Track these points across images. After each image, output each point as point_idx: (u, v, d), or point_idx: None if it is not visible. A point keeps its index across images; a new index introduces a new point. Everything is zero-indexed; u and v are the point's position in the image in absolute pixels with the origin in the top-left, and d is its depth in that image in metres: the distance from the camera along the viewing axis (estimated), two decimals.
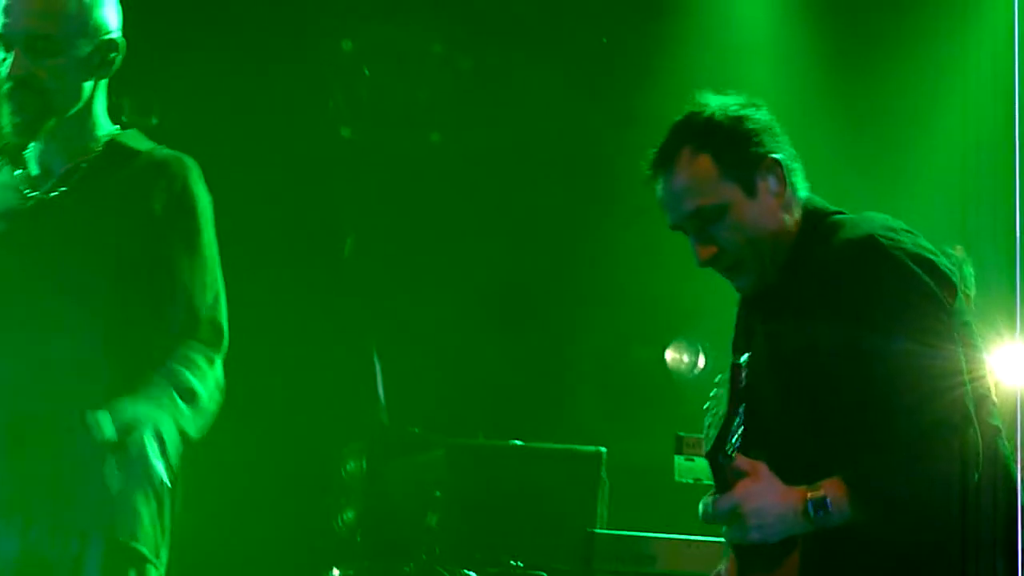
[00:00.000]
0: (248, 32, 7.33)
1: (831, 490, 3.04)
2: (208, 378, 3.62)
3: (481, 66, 7.55)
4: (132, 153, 3.80)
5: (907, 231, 3.25)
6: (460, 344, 7.17)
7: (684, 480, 5.48)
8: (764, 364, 3.22)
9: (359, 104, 7.48)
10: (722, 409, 3.10)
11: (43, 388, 3.57)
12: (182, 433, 3.50)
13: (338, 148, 7.49)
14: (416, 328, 7.20)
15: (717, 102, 3.39)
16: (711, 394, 3.16)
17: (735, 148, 3.35)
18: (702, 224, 3.35)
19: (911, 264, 3.15)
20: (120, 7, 3.80)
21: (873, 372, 3.09)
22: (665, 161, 3.37)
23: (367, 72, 7.43)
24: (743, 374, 3.09)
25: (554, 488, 5.87)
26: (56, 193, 3.69)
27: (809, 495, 3.05)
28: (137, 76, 6.63)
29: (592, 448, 5.93)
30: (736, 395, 3.08)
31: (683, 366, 7.63)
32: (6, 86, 3.63)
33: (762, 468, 3.10)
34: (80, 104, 3.75)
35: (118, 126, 3.87)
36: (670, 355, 7.65)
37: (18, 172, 3.76)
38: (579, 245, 7.32)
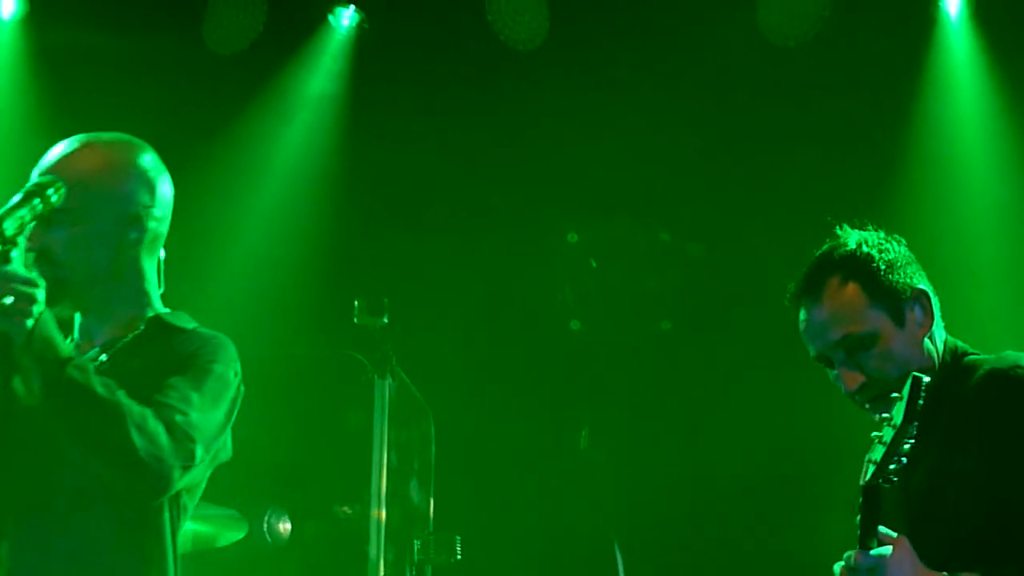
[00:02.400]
0: (472, 228, 7.46)
1: None
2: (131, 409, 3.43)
3: (712, 252, 7.47)
4: (175, 330, 3.75)
5: None
6: (703, 535, 7.01)
7: None
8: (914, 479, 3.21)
9: (587, 296, 7.46)
10: (887, 437, 3.10)
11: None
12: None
13: (568, 341, 7.46)
14: (654, 518, 7.06)
15: (859, 235, 3.47)
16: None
17: (883, 277, 3.40)
18: (849, 353, 3.37)
19: None
20: (163, 183, 3.76)
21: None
22: (811, 289, 3.41)
23: (594, 263, 7.43)
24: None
25: None
26: (95, 364, 3.62)
27: None
28: (369, 279, 7.12)
29: None
30: (909, 417, 3.08)
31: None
32: (29, 257, 3.57)
33: (906, 543, 3.09)
34: (111, 280, 3.70)
35: (169, 309, 3.81)
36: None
37: (67, 340, 3.65)
38: (809, 442, 6.94)
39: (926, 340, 3.41)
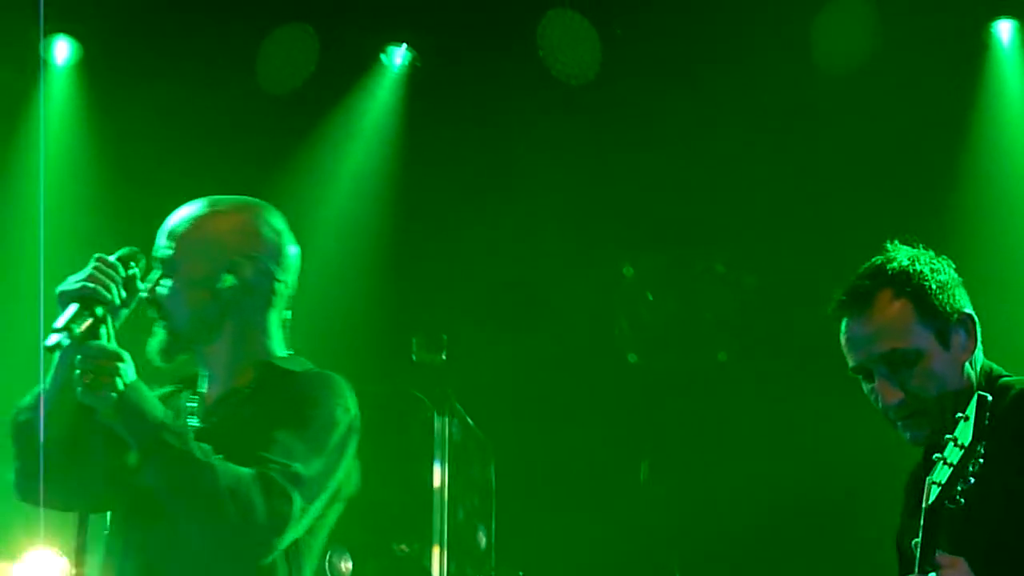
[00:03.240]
0: (528, 263, 7.55)
1: None
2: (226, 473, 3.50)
3: (765, 282, 7.49)
4: (287, 374, 3.81)
5: None
6: (765, 566, 7.07)
7: None
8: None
9: (644, 328, 7.49)
10: (953, 458, 3.08)
11: None
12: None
13: (626, 374, 7.49)
14: (715, 551, 7.11)
15: (910, 252, 3.44)
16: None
17: (934, 298, 3.38)
18: (893, 368, 3.36)
19: None
20: (281, 240, 3.84)
21: None
22: (861, 300, 3.38)
23: (650, 296, 7.46)
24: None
25: None
26: (210, 422, 3.74)
27: None
28: (425, 315, 7.20)
29: None
30: (978, 436, 3.07)
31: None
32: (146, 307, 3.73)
33: (964, 565, 3.08)
34: (224, 332, 3.79)
35: (286, 355, 3.89)
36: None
37: (195, 396, 3.82)
38: (869, 471, 6.77)
39: (967, 364, 3.43)
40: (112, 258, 3.57)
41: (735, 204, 7.43)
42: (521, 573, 6.78)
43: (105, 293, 3.51)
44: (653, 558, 7.14)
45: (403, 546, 7.20)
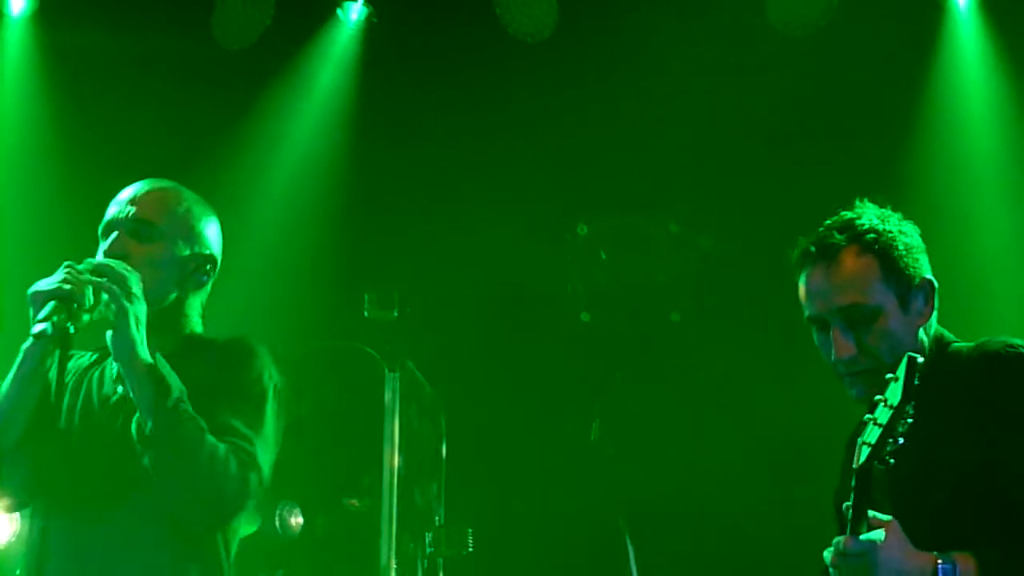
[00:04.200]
0: (482, 220, 7.45)
1: (962, 562, 3.08)
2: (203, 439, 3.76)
3: (722, 243, 7.44)
4: (207, 344, 4.13)
5: None
6: (714, 526, 7.00)
7: None
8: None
9: (597, 287, 7.42)
10: (883, 418, 3.10)
11: None
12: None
13: (579, 333, 7.43)
14: (665, 511, 7.06)
15: (879, 211, 3.50)
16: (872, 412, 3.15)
17: (899, 259, 3.43)
18: (850, 323, 3.40)
19: None
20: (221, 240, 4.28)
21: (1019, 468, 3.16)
22: (827, 252, 3.42)
23: (604, 255, 7.39)
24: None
25: None
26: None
27: (940, 560, 3.09)
28: (377, 271, 7.13)
29: None
30: (907, 397, 3.08)
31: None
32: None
33: (896, 526, 3.10)
34: (167, 302, 4.07)
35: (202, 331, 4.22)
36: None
37: (117, 364, 3.98)
38: (818, 432, 6.65)
39: (921, 329, 3.44)
40: (81, 266, 3.82)
41: (691, 164, 7.37)
42: (470, 529, 6.59)
43: (79, 295, 3.73)
44: (602, 517, 6.95)
45: (353, 501, 7.17)
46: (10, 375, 3.93)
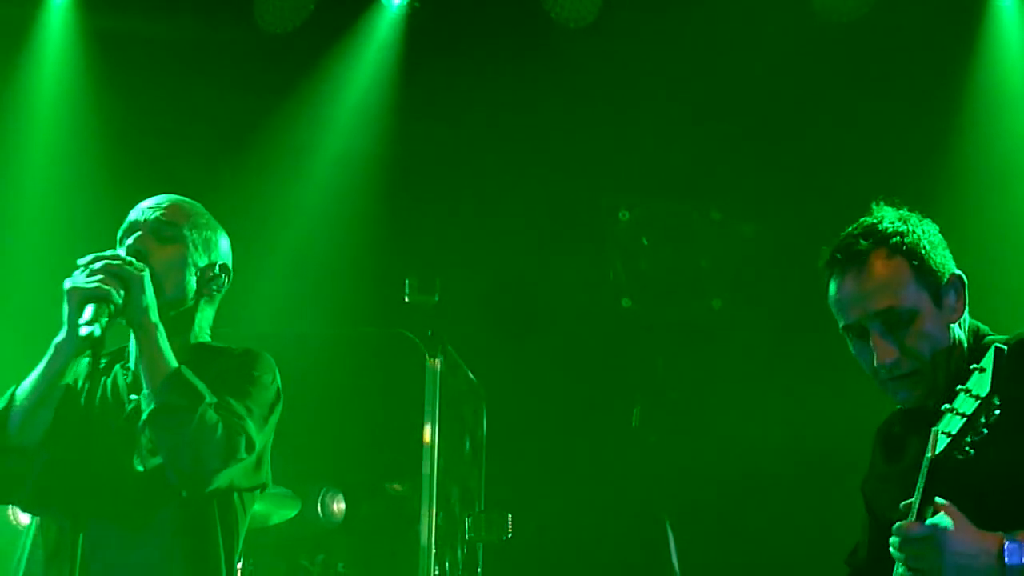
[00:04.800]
0: (524, 206, 7.56)
1: None
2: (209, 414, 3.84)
3: (765, 231, 7.44)
4: (221, 351, 4.20)
5: None
6: (754, 514, 7.05)
7: None
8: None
9: (638, 274, 7.42)
10: (966, 408, 3.08)
11: None
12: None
13: (620, 319, 7.43)
14: (705, 498, 7.12)
15: (898, 212, 3.46)
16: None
17: (927, 258, 3.39)
18: (888, 327, 3.36)
19: None
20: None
21: None
22: (856, 259, 3.38)
23: (645, 241, 7.41)
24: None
25: None
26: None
27: (1006, 540, 3.07)
28: (421, 257, 7.22)
29: None
30: (995, 389, 3.06)
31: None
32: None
33: (955, 509, 3.11)
34: (184, 307, 4.14)
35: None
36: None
37: (127, 370, 4.13)
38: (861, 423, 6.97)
39: (956, 324, 3.42)
40: (99, 265, 3.86)
41: (734, 151, 7.36)
42: (510, 514, 6.69)
43: (116, 296, 3.81)
44: (643, 505, 7.12)
45: (396, 485, 7.33)
46: (39, 371, 3.98)
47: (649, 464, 7.22)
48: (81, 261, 3.93)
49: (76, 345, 3.88)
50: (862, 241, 3.41)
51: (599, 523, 7.29)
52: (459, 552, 6.71)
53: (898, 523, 3.12)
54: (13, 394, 4.02)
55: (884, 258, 3.38)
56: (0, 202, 7.46)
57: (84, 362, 4.03)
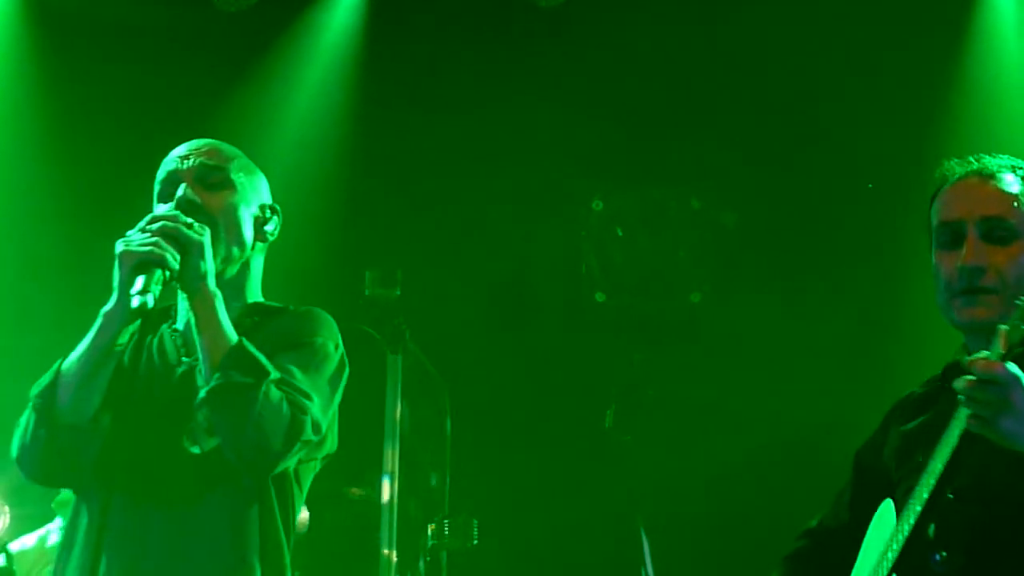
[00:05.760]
0: (490, 195, 7.61)
1: None
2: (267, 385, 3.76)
3: (748, 220, 7.55)
4: (273, 311, 4.16)
5: None
6: (730, 515, 7.12)
7: None
8: None
9: (613, 267, 7.56)
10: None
11: None
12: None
13: (593, 313, 7.56)
14: (681, 500, 7.16)
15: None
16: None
17: None
18: (988, 233, 3.52)
19: None
20: None
21: None
22: (987, 168, 3.58)
23: (620, 232, 7.50)
24: None
25: None
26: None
27: None
28: (382, 249, 7.29)
29: None
30: None
31: None
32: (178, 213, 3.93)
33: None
34: (242, 260, 4.08)
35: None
36: None
37: (176, 331, 4.06)
38: (847, 412, 6.95)
39: None
40: (156, 226, 3.79)
41: (713, 138, 7.55)
42: (476, 520, 6.68)
43: (172, 261, 3.73)
44: (616, 509, 7.02)
45: (355, 489, 7.17)
46: (87, 343, 3.91)
47: (623, 466, 7.03)
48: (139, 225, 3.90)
49: (127, 315, 3.80)
50: (992, 160, 3.60)
51: (570, 528, 7.38)
52: (422, 560, 6.75)
53: (983, 359, 3.17)
54: (59, 368, 3.95)
55: (1011, 176, 3.56)
56: None
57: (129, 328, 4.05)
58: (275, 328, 4.08)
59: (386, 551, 6.35)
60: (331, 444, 4.16)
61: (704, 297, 7.61)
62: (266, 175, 7.53)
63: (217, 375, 3.83)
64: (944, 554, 3.33)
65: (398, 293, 6.39)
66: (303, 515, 7.12)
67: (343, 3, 7.86)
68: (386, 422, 6.56)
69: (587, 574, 7.52)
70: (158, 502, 3.88)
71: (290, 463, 3.97)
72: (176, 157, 4.06)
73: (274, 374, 3.85)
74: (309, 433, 3.88)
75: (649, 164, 7.70)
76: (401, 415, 6.61)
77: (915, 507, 3.38)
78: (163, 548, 3.87)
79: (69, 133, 7.30)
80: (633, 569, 6.90)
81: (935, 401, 3.69)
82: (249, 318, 4.09)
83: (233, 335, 3.86)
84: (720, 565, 7.11)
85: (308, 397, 3.91)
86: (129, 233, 3.85)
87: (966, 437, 3.27)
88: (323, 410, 3.99)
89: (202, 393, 3.85)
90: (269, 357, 3.90)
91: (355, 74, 7.89)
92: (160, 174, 4.10)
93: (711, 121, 7.64)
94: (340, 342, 4.14)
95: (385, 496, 6.56)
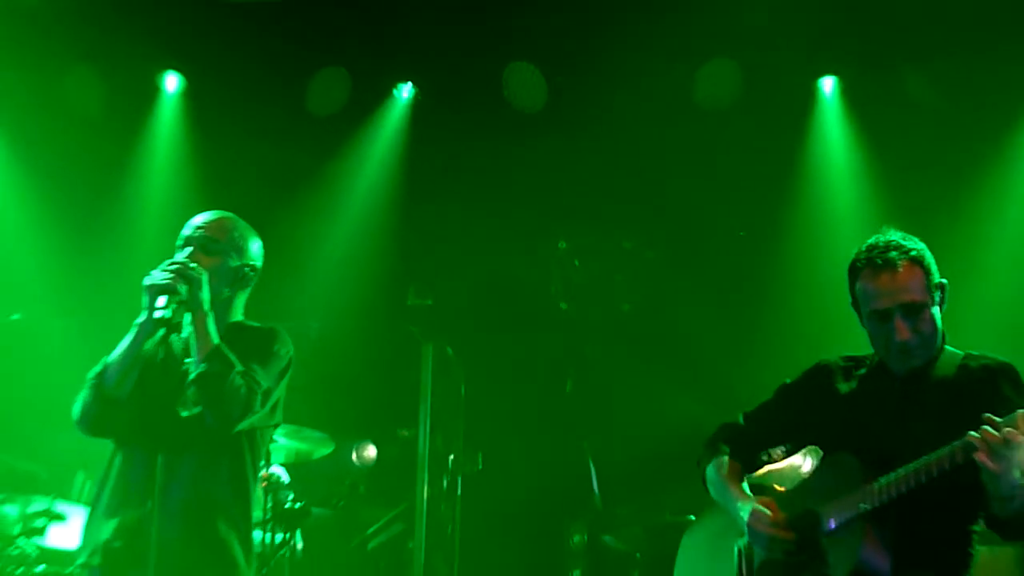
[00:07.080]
0: (494, 239, 8.44)
1: None
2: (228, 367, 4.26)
3: (662, 255, 8.39)
4: (247, 329, 4.67)
5: None
6: (654, 448, 7.84)
7: None
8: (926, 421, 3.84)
9: (572, 285, 8.27)
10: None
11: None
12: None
13: (559, 317, 8.36)
14: (619, 444, 8.12)
15: (903, 234, 4.06)
16: None
17: (931, 268, 4.02)
18: (908, 314, 3.91)
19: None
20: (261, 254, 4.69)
21: None
22: (890, 263, 3.91)
23: (577, 263, 8.29)
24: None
25: None
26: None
27: None
28: (420, 273, 7.74)
29: None
30: None
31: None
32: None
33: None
34: (223, 296, 4.60)
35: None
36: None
37: (182, 339, 4.60)
38: (732, 390, 7.53)
39: (940, 315, 4.00)
40: (175, 266, 4.37)
41: (639, 202, 8.38)
42: (481, 453, 7.50)
43: (183, 289, 4.36)
44: (574, 445, 7.95)
45: (404, 431, 8.08)
46: (125, 344, 4.39)
47: (578, 417, 8.12)
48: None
49: (151, 325, 4.33)
50: (892, 252, 3.90)
51: (543, 458, 8.25)
52: (444, 480, 7.45)
53: (1008, 425, 3.47)
54: (106, 362, 4.47)
55: (908, 265, 3.89)
56: (131, 231, 8.23)
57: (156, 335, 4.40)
58: (248, 338, 4.56)
59: (421, 471, 6.97)
60: (279, 417, 4.69)
61: (632, 307, 8.32)
62: (341, 232, 7.92)
63: (203, 366, 4.33)
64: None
65: (431, 302, 7.05)
66: (372, 450, 8.18)
67: (395, 110, 8.62)
68: (421, 388, 7.10)
69: (555, 488, 8.12)
70: (164, 448, 4.35)
71: (245, 425, 4.41)
72: (193, 226, 4.60)
73: (239, 367, 4.32)
74: (257, 406, 4.40)
75: (597, 219, 8.42)
76: (432, 384, 7.13)
77: (899, 471, 3.74)
78: (164, 478, 4.32)
79: (210, 198, 7.27)
80: (585, 484, 7.71)
81: (852, 377, 4.02)
82: (231, 332, 4.53)
83: (215, 340, 4.33)
84: (646, 481, 7.72)
85: (259, 384, 4.39)
86: (152, 271, 4.34)
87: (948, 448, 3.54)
88: (269, 394, 4.45)
89: (191, 376, 4.34)
90: (241, 357, 4.38)
91: (403, 160, 8.58)
92: (183, 232, 4.59)
93: (639, 193, 8.33)
94: (291, 348, 4.61)
95: (420, 437, 7.08)
